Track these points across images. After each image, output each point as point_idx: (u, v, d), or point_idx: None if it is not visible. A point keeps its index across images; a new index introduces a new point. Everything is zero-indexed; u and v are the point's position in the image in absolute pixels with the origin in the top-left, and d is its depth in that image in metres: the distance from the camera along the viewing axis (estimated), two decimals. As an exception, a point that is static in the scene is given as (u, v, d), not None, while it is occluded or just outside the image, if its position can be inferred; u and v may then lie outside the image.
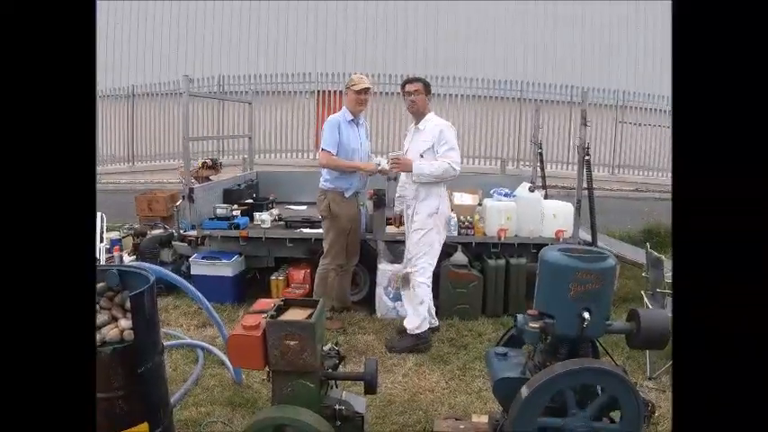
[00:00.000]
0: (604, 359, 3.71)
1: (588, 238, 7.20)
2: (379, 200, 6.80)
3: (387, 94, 16.88)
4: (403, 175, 6.24)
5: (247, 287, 7.51)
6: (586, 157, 6.87)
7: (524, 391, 3.19)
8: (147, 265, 5.60)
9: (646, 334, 3.42)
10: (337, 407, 3.45)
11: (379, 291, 6.82)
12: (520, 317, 3.49)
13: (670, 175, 17.66)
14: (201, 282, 7.00)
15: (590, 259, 3.25)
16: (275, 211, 7.81)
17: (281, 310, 3.57)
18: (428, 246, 5.95)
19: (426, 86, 6.00)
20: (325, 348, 3.57)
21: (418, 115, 6.03)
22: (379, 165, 6.34)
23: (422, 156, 5.83)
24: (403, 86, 6.07)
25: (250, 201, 8.38)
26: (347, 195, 6.32)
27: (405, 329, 6.01)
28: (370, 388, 3.59)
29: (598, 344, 3.67)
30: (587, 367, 3.20)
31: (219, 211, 7.43)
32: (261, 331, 3.37)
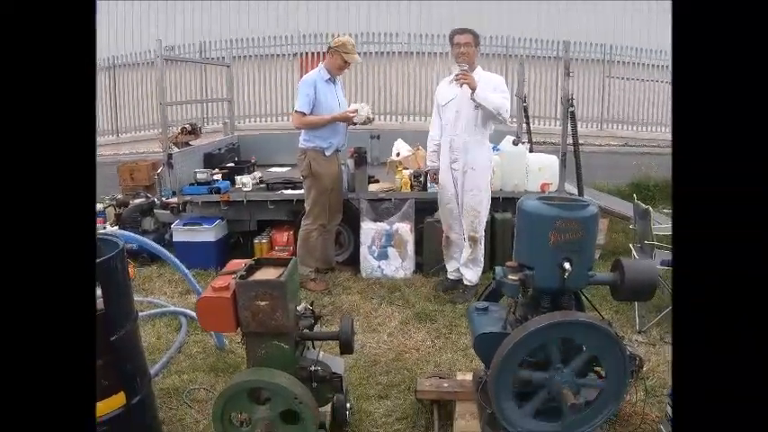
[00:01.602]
0: (590, 313, 3.60)
1: (574, 191, 7.08)
2: (360, 157, 6.67)
3: (369, 53, 16.66)
4: (435, 129, 6.09)
5: (231, 252, 7.38)
6: (571, 109, 6.72)
7: (504, 345, 3.08)
8: (117, 231, 5.48)
9: (630, 285, 3.30)
10: (313, 368, 3.34)
11: (363, 250, 6.72)
12: (498, 269, 3.37)
13: (658, 128, 17.78)
14: (184, 248, 6.91)
15: (570, 207, 3.12)
16: (257, 174, 7.69)
17: (252, 270, 3.45)
18: (489, 200, 6.02)
19: (476, 38, 5.76)
20: (299, 308, 3.44)
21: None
22: (358, 111, 6.21)
23: (476, 107, 5.67)
24: (452, 37, 5.79)
25: (231, 164, 8.24)
26: (327, 154, 6.18)
27: (462, 282, 6.18)
28: (346, 347, 3.47)
29: (583, 296, 3.58)
30: (568, 320, 3.08)
31: (200, 176, 7.29)
32: (231, 292, 3.25)
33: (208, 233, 7.03)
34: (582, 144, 14.93)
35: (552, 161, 6.91)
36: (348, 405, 3.98)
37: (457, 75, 5.53)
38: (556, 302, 3.29)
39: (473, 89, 5.49)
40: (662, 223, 7.06)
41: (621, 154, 15.40)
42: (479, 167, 5.82)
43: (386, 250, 6.64)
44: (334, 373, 3.47)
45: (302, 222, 6.33)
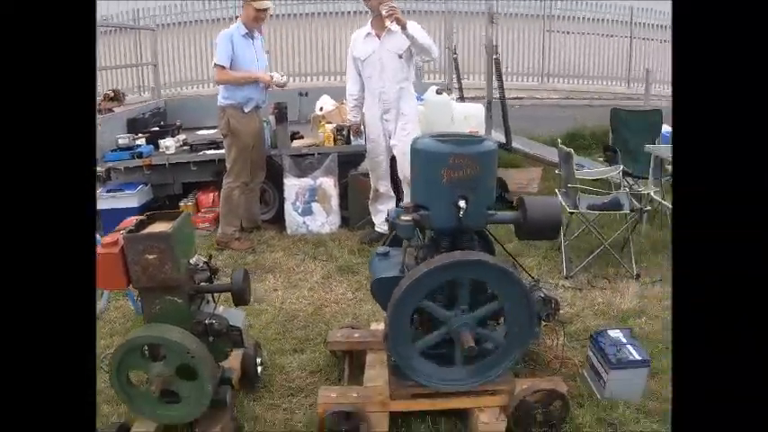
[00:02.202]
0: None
1: (503, 139, 7.03)
2: (281, 113, 6.51)
3: (302, 14, 16.44)
4: (352, 84, 6.00)
5: (158, 217, 7.19)
6: (495, 56, 6.64)
7: (397, 289, 2.98)
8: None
9: (533, 223, 3.23)
10: (208, 321, 3.22)
11: (288, 207, 6.60)
12: (392, 210, 3.27)
13: (598, 81, 17.86)
14: (109, 216, 6.70)
15: (464, 143, 3.02)
16: (181, 137, 7.48)
17: (143, 224, 3.30)
18: None
19: None
20: (192, 261, 3.30)
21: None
22: (274, 78, 6.11)
23: (400, 56, 5.70)
24: None
25: (156, 129, 8.00)
26: (246, 110, 6.02)
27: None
28: (239, 299, 3.35)
29: (492, 238, 3.50)
30: (460, 260, 2.97)
31: (122, 142, 7.10)
32: (119, 248, 3.10)
33: (131, 199, 6.83)
34: (522, 98, 14.96)
35: (478, 110, 6.85)
36: (259, 360, 3.89)
37: (387, 11, 5.36)
38: (456, 243, 3.20)
39: (403, 26, 5.41)
40: (591, 169, 7.05)
41: (562, 107, 15.42)
42: (410, 113, 5.85)
43: (310, 206, 6.52)
44: (233, 327, 3.35)
45: (224, 181, 6.17)
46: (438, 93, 6.81)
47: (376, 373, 3.53)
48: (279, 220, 6.81)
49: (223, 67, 5.91)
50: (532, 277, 3.85)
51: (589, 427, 3.39)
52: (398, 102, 5.78)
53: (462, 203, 2.97)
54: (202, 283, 3.34)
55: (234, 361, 3.72)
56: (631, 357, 3.60)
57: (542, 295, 3.54)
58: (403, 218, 3.09)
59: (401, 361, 3.12)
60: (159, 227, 3.26)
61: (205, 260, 3.39)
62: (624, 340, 3.75)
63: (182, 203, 7.05)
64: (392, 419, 3.31)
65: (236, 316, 3.47)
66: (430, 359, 3.19)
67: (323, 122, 6.93)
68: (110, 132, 7.15)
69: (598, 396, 3.67)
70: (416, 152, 3.12)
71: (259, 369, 3.88)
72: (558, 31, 17.99)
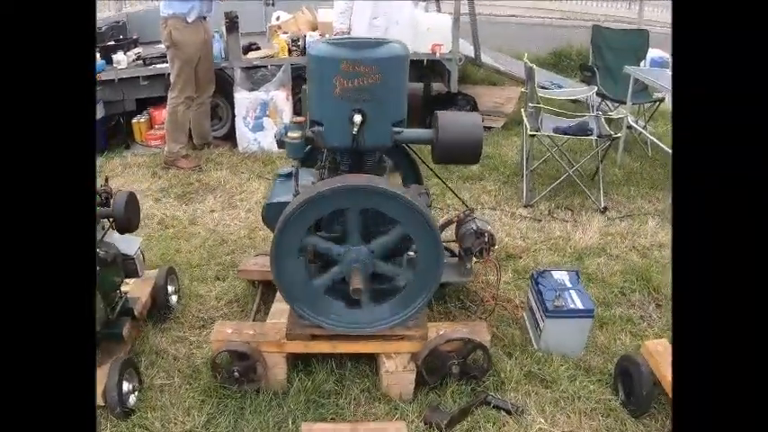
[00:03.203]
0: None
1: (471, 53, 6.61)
2: (232, 24, 6.08)
3: None
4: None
5: (112, 135, 6.81)
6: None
7: (280, 220, 2.61)
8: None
9: (447, 143, 2.86)
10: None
11: (239, 122, 6.26)
12: (281, 126, 2.89)
13: (601, 4, 17.19)
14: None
15: (360, 46, 2.61)
16: (137, 51, 7.03)
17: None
18: None
19: None
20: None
21: None
22: None
23: None
24: None
25: (111, 43, 7.55)
26: (190, 20, 5.58)
27: None
28: (122, 226, 2.98)
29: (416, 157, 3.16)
30: (342, 187, 2.55)
31: (71, 57, 6.64)
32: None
33: (81, 115, 6.46)
34: (516, 16, 14.42)
35: (445, 21, 6.38)
36: (172, 288, 3.63)
37: None
38: (357, 165, 2.83)
39: None
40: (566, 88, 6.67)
41: (558, 27, 14.84)
42: (403, 22, 5.67)
43: (261, 121, 6.17)
44: (125, 255, 3.03)
45: (168, 96, 5.81)
46: (403, -1, 6.36)
47: (282, 307, 3.14)
48: (231, 137, 6.49)
49: None
50: (467, 206, 3.52)
51: (515, 382, 3.05)
52: (390, 7, 5.58)
53: (357, 118, 2.59)
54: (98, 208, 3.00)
55: (142, 290, 3.46)
56: (572, 306, 3.21)
57: (474, 228, 3.20)
58: (291, 135, 2.72)
59: (290, 300, 2.79)
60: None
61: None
62: (568, 284, 3.36)
63: (135, 120, 6.72)
64: (293, 361, 3.04)
65: (130, 243, 3.13)
66: (333, 295, 2.87)
67: (278, 33, 6.50)
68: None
69: (534, 346, 3.32)
70: (310, 58, 2.73)
71: (173, 298, 3.65)
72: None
